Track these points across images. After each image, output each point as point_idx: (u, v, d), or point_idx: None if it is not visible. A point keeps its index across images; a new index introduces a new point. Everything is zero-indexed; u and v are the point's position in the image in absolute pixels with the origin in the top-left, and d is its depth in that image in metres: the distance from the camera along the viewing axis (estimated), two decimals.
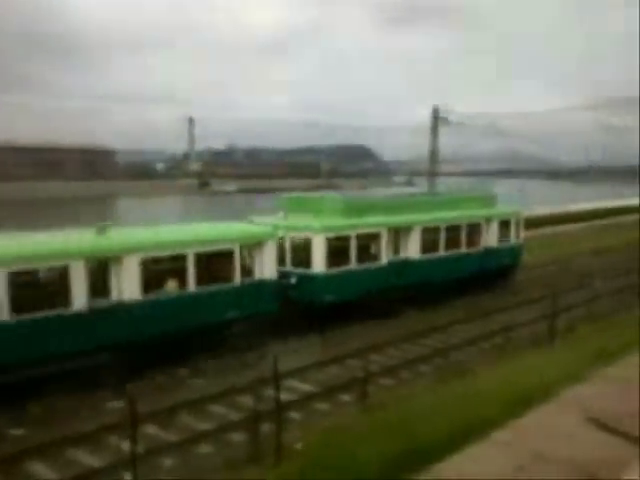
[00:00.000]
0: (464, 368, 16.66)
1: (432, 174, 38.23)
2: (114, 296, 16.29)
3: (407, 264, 24.40)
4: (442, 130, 37.32)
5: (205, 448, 12.90)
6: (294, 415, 14.43)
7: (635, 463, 9.84)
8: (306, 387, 16.45)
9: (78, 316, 15.33)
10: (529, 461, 10.09)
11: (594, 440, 11.06)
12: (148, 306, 16.70)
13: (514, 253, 30.51)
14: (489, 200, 30.73)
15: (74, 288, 15.23)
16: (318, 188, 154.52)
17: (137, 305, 16.53)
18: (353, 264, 22.36)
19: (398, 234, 24.43)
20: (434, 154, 37.91)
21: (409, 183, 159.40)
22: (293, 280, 21.04)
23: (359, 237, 22.50)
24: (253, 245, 19.37)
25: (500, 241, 29.20)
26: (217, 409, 14.96)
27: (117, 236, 16.99)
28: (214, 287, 18.26)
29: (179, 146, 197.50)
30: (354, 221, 22.62)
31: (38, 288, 15.03)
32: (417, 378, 17.19)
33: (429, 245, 25.36)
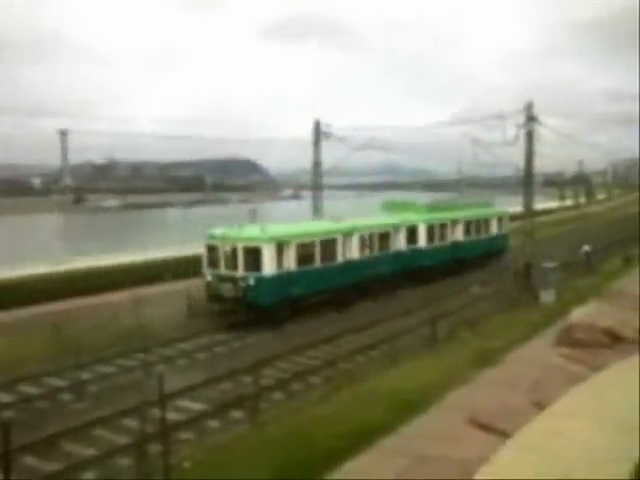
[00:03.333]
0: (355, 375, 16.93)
1: (316, 187, 38.88)
2: (346, 256, 28.38)
3: (457, 244, 37.00)
4: (324, 144, 38.11)
5: None
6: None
7: (495, 456, 10.58)
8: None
9: (337, 266, 27.92)
10: (414, 463, 10.49)
11: (473, 439, 11.65)
12: (362, 261, 29.35)
13: (506, 240, 43.27)
14: (490, 204, 44.73)
15: (338, 251, 27.93)
16: (202, 202, 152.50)
17: (357, 261, 29.09)
18: (437, 242, 35.09)
19: (453, 224, 36.89)
20: (317, 168, 38.58)
21: (296, 197, 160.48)
22: (408, 252, 32.73)
23: (440, 226, 35.48)
24: (396, 229, 32.11)
25: (498, 231, 42.14)
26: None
27: (346, 223, 29.47)
28: (382, 253, 30.82)
29: (57, 160, 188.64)
30: (436, 216, 35.94)
31: (322, 249, 26.99)
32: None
33: (467, 232, 38.13)
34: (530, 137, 30.73)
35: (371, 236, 30.23)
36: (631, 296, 27.24)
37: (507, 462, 10.35)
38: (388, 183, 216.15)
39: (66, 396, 17.02)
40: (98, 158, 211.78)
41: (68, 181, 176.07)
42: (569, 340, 19.21)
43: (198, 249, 28.77)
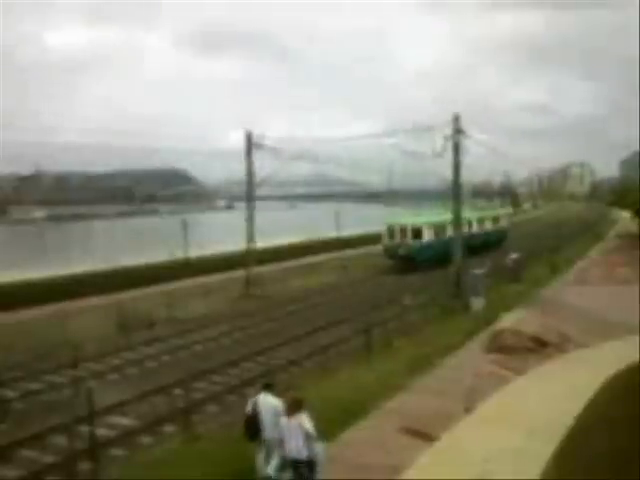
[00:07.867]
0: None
1: (250, 198, 38.74)
2: (447, 235, 41.46)
3: (472, 234, 49.64)
4: (256, 154, 38.02)
5: None
6: None
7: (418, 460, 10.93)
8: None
9: (444, 240, 42.53)
10: (352, 473, 10.56)
11: (405, 446, 11.85)
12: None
13: (507, 231, 63.86)
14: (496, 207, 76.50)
15: (446, 231, 42.49)
16: (131, 214, 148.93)
17: (449, 239, 39.52)
18: (476, 229, 53.28)
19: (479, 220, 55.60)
20: (250, 178, 38.45)
21: (230, 207, 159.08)
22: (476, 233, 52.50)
23: (479, 220, 54.92)
24: (472, 220, 51.17)
25: (505, 224, 64.44)
26: None
27: (445, 216, 40.93)
28: (465, 233, 40.47)
29: None
30: (480, 214, 57.00)
31: (440, 230, 45.86)
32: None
33: (492, 224, 58.42)
34: (457, 149, 31.38)
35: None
36: (556, 302, 28.30)
37: (427, 465, 10.88)
38: (320, 194, 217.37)
39: None
40: (25, 169, 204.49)
41: None
42: (497, 346, 19.77)
43: (125, 262, 28.04)
